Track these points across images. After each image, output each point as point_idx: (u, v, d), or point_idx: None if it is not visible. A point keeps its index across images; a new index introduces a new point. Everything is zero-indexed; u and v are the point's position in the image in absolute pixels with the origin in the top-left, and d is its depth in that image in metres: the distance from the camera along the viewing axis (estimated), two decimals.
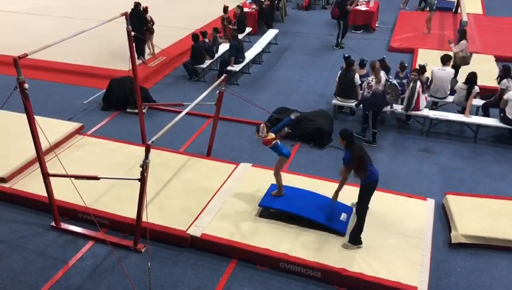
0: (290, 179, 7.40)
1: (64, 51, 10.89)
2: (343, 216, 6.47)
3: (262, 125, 6.46)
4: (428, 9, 14.71)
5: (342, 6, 13.72)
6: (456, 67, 10.28)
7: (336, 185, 6.12)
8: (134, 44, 12.17)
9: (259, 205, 6.67)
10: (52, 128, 7.59)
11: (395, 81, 8.95)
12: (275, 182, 6.79)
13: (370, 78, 8.61)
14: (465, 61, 10.43)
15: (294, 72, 12.38)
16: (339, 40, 14.15)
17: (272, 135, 6.47)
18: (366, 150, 6.04)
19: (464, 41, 10.59)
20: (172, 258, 6.16)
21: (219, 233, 6.26)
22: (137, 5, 11.89)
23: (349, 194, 6.49)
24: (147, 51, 12.64)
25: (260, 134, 6.43)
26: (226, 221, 6.50)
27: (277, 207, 6.58)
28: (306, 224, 6.36)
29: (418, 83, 8.91)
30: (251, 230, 6.35)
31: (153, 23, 12.62)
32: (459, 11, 15.68)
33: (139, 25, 11.65)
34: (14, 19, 16.04)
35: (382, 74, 8.60)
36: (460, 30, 11.29)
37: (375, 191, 5.93)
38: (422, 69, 9.20)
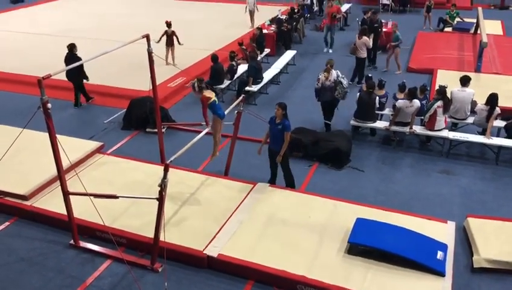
0: (308, 200, 7.38)
1: (87, 71, 11.13)
2: (440, 255, 6.03)
3: (193, 81, 6.52)
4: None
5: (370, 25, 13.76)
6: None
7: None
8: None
9: (348, 242, 6.26)
10: (73, 147, 7.73)
11: (344, 81, 9.58)
12: (359, 216, 6.52)
13: (321, 75, 9.61)
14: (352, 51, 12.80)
15: (311, 93, 12.33)
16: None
17: (208, 93, 6.56)
18: None
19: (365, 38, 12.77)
20: (189, 279, 6.14)
21: (236, 254, 6.23)
22: (72, 47, 10.76)
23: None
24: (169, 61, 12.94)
25: (196, 92, 6.49)
26: (243, 241, 6.47)
27: (369, 245, 6.17)
28: (396, 262, 6.01)
29: (439, 102, 8.83)
30: (268, 251, 6.29)
31: (173, 36, 13.22)
32: (478, 31, 15.58)
33: (75, 72, 10.36)
34: (42, 41, 16.55)
35: (333, 72, 9.57)
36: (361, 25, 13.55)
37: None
38: (441, 91, 8.99)
